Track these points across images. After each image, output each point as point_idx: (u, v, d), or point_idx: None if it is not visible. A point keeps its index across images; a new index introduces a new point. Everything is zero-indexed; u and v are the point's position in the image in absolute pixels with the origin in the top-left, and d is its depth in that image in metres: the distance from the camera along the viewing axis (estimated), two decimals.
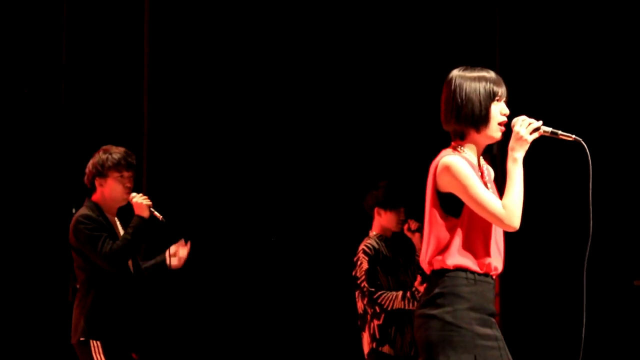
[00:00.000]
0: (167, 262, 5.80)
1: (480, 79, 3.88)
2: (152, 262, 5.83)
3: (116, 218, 5.70)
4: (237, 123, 8.32)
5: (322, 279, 8.14)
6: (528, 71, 7.68)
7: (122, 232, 5.63)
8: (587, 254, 3.89)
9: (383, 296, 6.05)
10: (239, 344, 8.25)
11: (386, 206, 6.27)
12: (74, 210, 5.83)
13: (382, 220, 6.28)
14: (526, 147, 3.83)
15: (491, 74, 3.91)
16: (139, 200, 5.59)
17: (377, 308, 6.08)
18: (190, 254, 5.88)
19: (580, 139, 3.84)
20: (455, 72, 3.93)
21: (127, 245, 5.46)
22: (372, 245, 6.18)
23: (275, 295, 8.28)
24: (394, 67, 8.15)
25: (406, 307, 6.00)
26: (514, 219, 3.77)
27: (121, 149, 5.64)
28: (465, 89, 3.87)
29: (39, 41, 8.11)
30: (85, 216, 5.50)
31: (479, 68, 3.93)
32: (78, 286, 5.65)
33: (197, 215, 8.04)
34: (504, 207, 3.77)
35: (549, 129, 3.86)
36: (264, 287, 8.27)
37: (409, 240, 6.29)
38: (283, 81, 8.31)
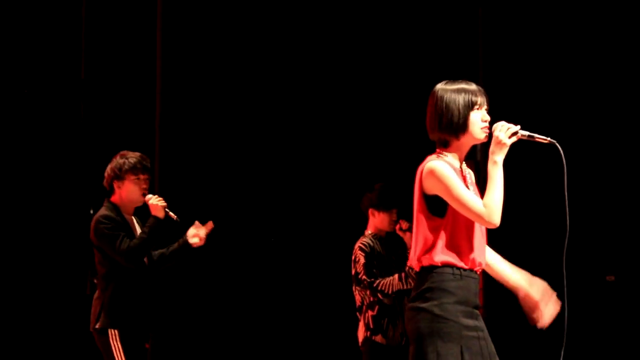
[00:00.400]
0: (189, 242, 5.77)
1: (459, 90, 3.91)
2: (176, 245, 5.79)
3: (133, 217, 5.71)
4: (238, 127, 8.28)
5: (320, 276, 8.08)
6: (509, 79, 7.67)
7: (138, 229, 5.65)
8: (565, 249, 3.90)
9: (382, 283, 6.00)
10: (241, 339, 8.21)
11: (380, 207, 6.26)
12: (92, 212, 5.82)
13: (376, 221, 6.27)
14: (505, 150, 3.84)
15: (471, 86, 3.94)
16: (155, 201, 5.59)
17: (379, 295, 6.06)
18: (212, 232, 5.83)
19: (555, 141, 3.86)
20: (438, 86, 3.97)
21: (143, 243, 5.48)
22: (368, 243, 6.15)
23: (275, 291, 8.24)
24: (391, 80, 8.14)
25: (404, 287, 5.93)
26: (494, 216, 3.78)
27: (137, 154, 5.65)
28: (446, 100, 3.90)
29: (60, 58, 8.10)
30: (104, 216, 5.53)
31: (460, 81, 3.96)
32: (96, 281, 5.64)
33: (198, 216, 8.00)
34: (484, 205, 3.79)
35: (526, 133, 3.87)
36: (264, 284, 8.22)
37: (401, 239, 6.27)
38: (282, 87, 8.28)
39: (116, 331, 5.41)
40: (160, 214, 5.59)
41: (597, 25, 7.53)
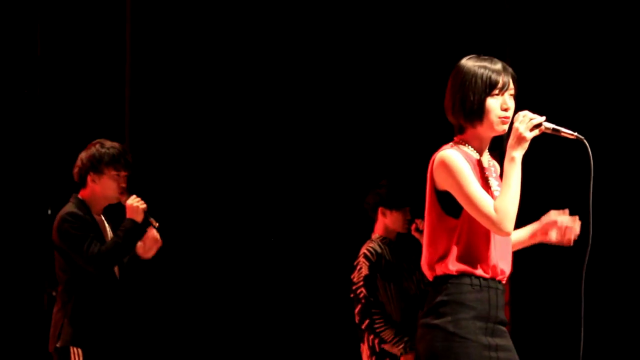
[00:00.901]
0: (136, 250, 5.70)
1: (480, 68, 3.83)
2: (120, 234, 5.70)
3: (102, 217, 5.62)
4: (234, 122, 8.32)
5: (322, 280, 8.13)
6: (538, 66, 7.66)
7: (109, 231, 5.59)
8: (587, 256, 3.87)
9: (379, 322, 6.02)
10: (237, 348, 8.26)
11: (391, 206, 6.24)
12: (49, 212, 5.77)
13: (387, 221, 6.26)
14: (525, 145, 3.76)
15: (496, 65, 3.84)
16: (133, 202, 5.52)
17: (367, 321, 6.04)
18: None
19: (583, 137, 3.79)
20: (461, 61, 3.90)
21: (117, 248, 5.41)
22: (375, 250, 6.17)
23: (274, 298, 8.30)
24: (392, 60, 8.16)
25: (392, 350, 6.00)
26: (506, 222, 3.71)
27: (117, 145, 5.58)
28: (462, 77, 3.83)
29: (14, 33, 8.09)
30: (71, 214, 5.44)
31: (486, 57, 3.88)
32: (55, 293, 5.63)
33: (195, 216, 8.10)
34: (496, 209, 3.71)
35: (551, 126, 3.80)
36: (262, 289, 8.28)
37: (416, 243, 6.21)
38: (282, 78, 8.33)
39: (79, 350, 5.35)
40: (139, 218, 5.50)
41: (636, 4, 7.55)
